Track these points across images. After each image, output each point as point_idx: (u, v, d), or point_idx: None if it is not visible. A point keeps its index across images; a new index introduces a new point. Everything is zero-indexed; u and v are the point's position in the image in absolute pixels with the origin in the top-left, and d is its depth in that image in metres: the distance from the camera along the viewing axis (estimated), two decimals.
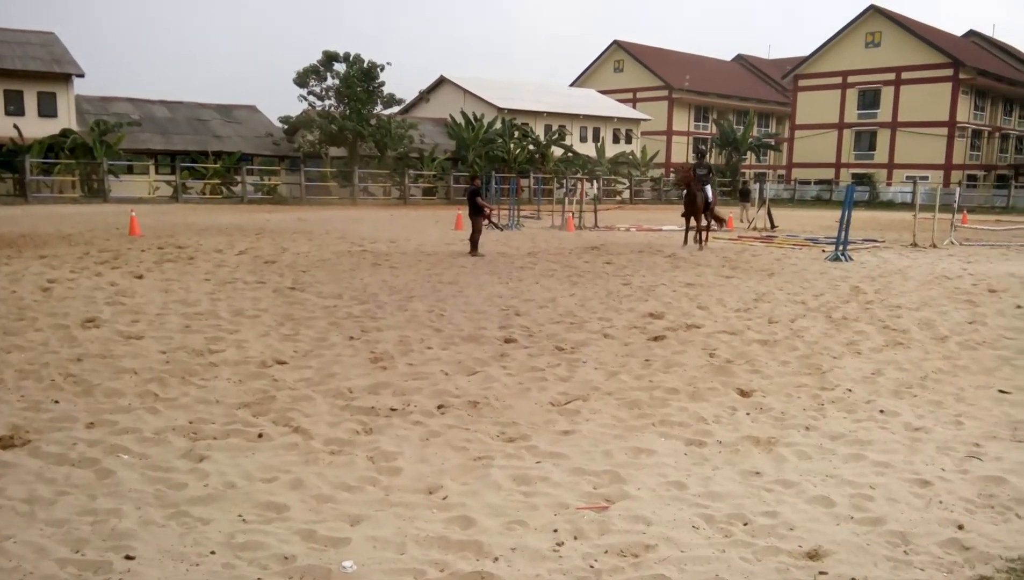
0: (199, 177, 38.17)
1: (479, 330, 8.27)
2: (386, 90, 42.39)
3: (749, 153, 59.53)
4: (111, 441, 4.73)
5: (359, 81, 40.96)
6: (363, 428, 5.15)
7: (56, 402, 5.47)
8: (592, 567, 3.34)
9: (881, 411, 5.65)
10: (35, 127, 34.67)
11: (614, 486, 4.23)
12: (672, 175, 53.97)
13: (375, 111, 42.37)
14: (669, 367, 6.84)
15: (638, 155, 55.35)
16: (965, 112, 55.73)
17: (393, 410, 5.53)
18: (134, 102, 41.79)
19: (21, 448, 4.58)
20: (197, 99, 45.05)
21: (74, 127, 35.92)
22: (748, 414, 5.59)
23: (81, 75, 37.32)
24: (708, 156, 21.97)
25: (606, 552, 3.48)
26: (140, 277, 11.35)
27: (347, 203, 39.36)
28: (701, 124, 70.49)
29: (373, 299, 10.05)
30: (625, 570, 3.32)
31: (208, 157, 38.49)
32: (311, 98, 42.18)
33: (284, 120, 42.92)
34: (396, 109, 45.96)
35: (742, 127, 58.13)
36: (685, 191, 18.27)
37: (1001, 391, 6.22)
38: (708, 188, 18.04)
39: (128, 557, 3.32)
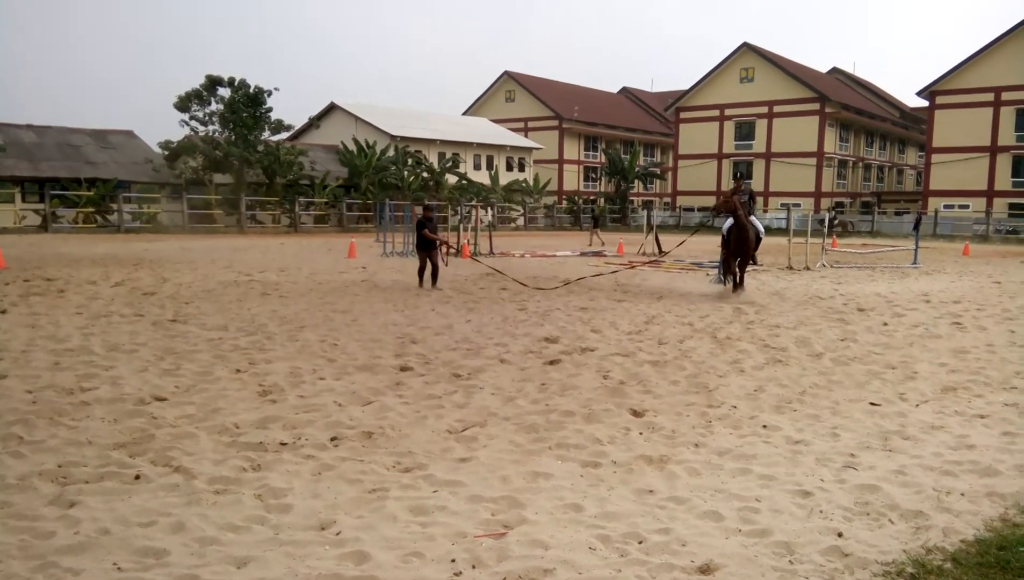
0: (71, 205, 35.95)
1: (374, 359, 8.12)
2: (274, 116, 41.34)
3: (636, 181, 61.68)
4: None
5: (245, 106, 39.74)
6: (251, 465, 4.93)
7: None
8: None
9: (764, 426, 5.90)
10: None
11: (512, 511, 4.21)
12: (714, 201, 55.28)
13: (263, 137, 41.22)
14: (565, 390, 6.92)
15: (531, 183, 56.34)
16: (832, 143, 59.80)
17: (283, 444, 5.33)
18: None
19: None
20: (69, 124, 42.59)
21: None
22: (641, 433, 5.71)
23: None
24: (747, 180, 16.34)
25: (504, 579, 3.44)
26: (3, 311, 10.53)
27: (234, 232, 38.03)
28: (591, 153, 72.56)
29: (262, 330, 9.70)
30: None
31: (81, 184, 36.34)
32: (193, 123, 40.60)
33: (165, 145, 41.14)
34: (285, 135, 44.94)
35: (629, 156, 60.22)
36: (730, 222, 13.76)
37: (872, 403, 6.63)
38: (756, 221, 14.07)
39: None
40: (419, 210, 14.70)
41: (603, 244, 31.33)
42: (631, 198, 63.21)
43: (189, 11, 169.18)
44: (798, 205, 55.11)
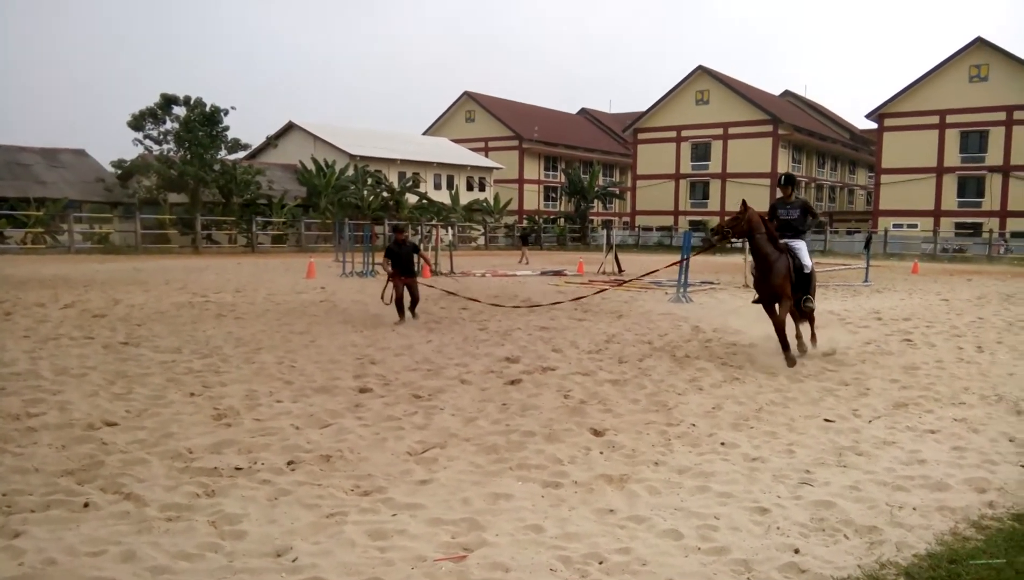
0: (20, 225, 35.00)
1: (332, 380, 8.02)
2: (231, 135, 40.96)
3: (596, 201, 62.33)
4: None
5: (200, 125, 39.28)
6: (204, 491, 4.81)
7: None
8: None
9: (722, 443, 5.96)
10: None
11: (472, 534, 4.18)
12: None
13: (219, 156, 40.73)
14: (525, 410, 6.91)
15: (492, 202, 56.52)
16: (785, 164, 61.13)
17: (238, 469, 5.22)
18: None
19: None
20: (17, 142, 41.58)
21: None
22: (601, 453, 5.72)
23: None
24: (796, 187, 9.80)
25: None
26: None
27: (189, 252, 37.38)
28: (551, 173, 73.14)
29: (217, 352, 9.52)
30: None
31: (30, 204, 35.43)
32: (148, 142, 40.03)
33: (117, 164, 40.46)
34: (242, 154, 44.48)
35: (588, 176, 60.84)
36: (753, 255, 9.49)
37: (826, 420, 6.74)
38: (800, 247, 9.68)
39: None
40: (389, 233, 13.34)
41: (527, 262, 31.70)
42: (591, 217, 63.75)
43: (144, 28, 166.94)
44: None
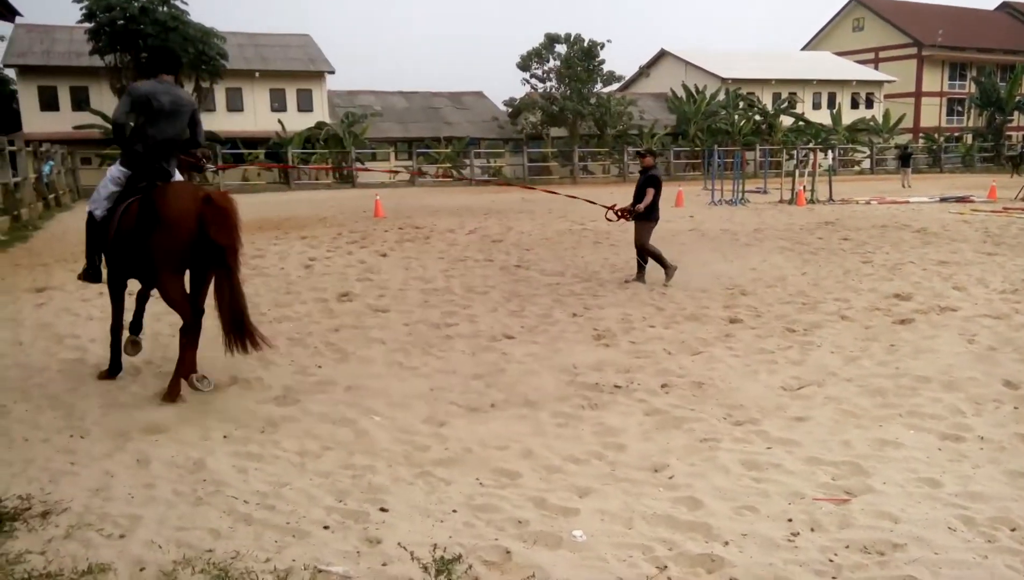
0: (432, 162, 40.72)
1: (702, 309, 8.08)
2: (606, 68, 42.41)
3: (1016, 113, 52.14)
4: (365, 404, 5.24)
5: (580, 61, 41.34)
6: (588, 403, 5.26)
7: (319, 367, 6.15)
8: (831, 561, 3.17)
9: None
10: (295, 121, 38.85)
11: (855, 478, 3.97)
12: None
13: (595, 90, 42.56)
14: (919, 353, 6.25)
15: (880, 121, 50.58)
16: None
17: (617, 387, 5.59)
18: (376, 94, 45.43)
19: (292, 406, 5.22)
20: (430, 88, 48.00)
21: (327, 120, 39.78)
22: (1016, 408, 4.96)
23: (332, 72, 41.18)
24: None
25: (847, 547, 3.28)
26: (384, 255, 12.37)
27: (567, 182, 39.93)
28: (956, 83, 62.72)
29: (594, 277, 10.17)
30: (869, 567, 3.12)
31: (440, 142, 40.94)
32: (533, 81, 43.27)
33: (508, 103, 44.38)
34: (616, 86, 45.77)
35: (1007, 83, 50.96)
36: None
37: None
38: None
39: (383, 509, 3.68)
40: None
41: (909, 186, 29.85)
42: (1008, 133, 53.63)
43: None
44: None
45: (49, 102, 35.98)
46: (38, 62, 35.63)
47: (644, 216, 9.65)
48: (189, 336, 5.30)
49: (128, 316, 5.91)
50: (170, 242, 5.02)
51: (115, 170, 5.46)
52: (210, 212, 5.00)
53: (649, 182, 9.69)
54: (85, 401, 5.25)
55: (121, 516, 3.58)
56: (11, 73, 38.51)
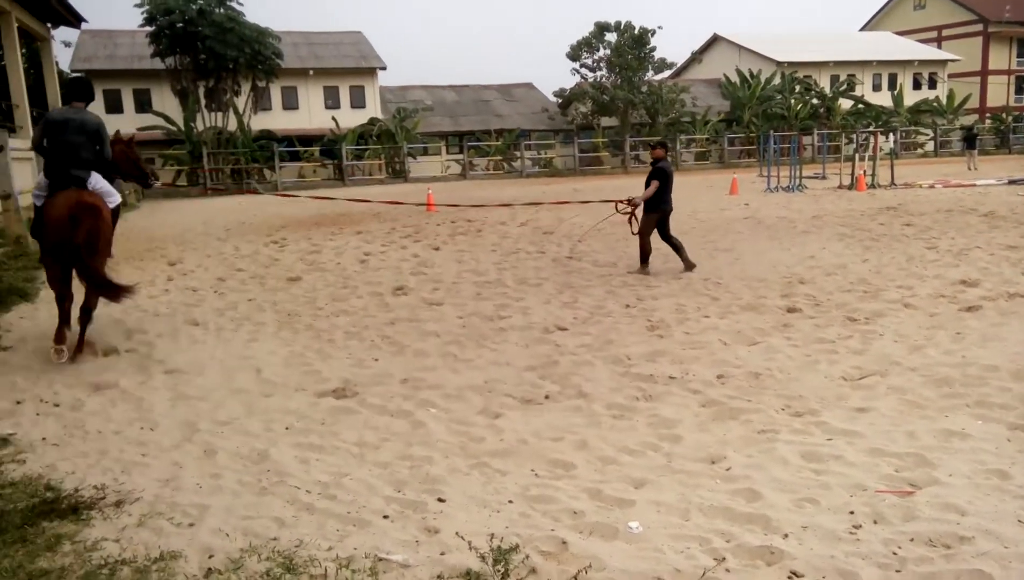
0: (483, 155, 40.85)
1: (759, 299, 7.96)
2: (657, 55, 41.83)
3: None
4: (421, 396, 5.32)
5: (630, 49, 40.86)
6: (642, 394, 5.24)
7: (376, 360, 6.27)
8: (895, 554, 3.10)
9: None
10: (348, 118, 39.38)
11: (920, 470, 3.87)
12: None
13: (646, 77, 42.05)
14: (986, 341, 6.05)
15: (944, 101, 48.79)
16: None
17: (671, 378, 5.55)
18: (427, 89, 45.72)
19: (351, 399, 5.33)
20: (480, 82, 48.06)
21: (379, 115, 40.22)
22: None
23: (384, 68, 41.59)
24: None
25: (911, 540, 3.21)
26: (437, 249, 12.48)
27: (619, 172, 39.70)
28: None
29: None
30: (935, 561, 3.04)
31: (491, 135, 41.02)
32: (583, 70, 42.95)
33: (558, 94, 44.16)
34: (667, 73, 45.15)
35: None
36: None
37: None
38: None
39: (440, 499, 3.74)
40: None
41: (975, 168, 28.58)
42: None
43: None
44: None
45: (114, 105, 37.20)
46: (102, 66, 36.85)
47: (650, 207, 9.69)
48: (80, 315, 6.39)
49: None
50: (46, 237, 6.22)
51: (40, 177, 6.64)
52: (77, 214, 6.01)
53: (655, 174, 9.70)
54: (154, 394, 5.46)
55: (190, 505, 3.71)
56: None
